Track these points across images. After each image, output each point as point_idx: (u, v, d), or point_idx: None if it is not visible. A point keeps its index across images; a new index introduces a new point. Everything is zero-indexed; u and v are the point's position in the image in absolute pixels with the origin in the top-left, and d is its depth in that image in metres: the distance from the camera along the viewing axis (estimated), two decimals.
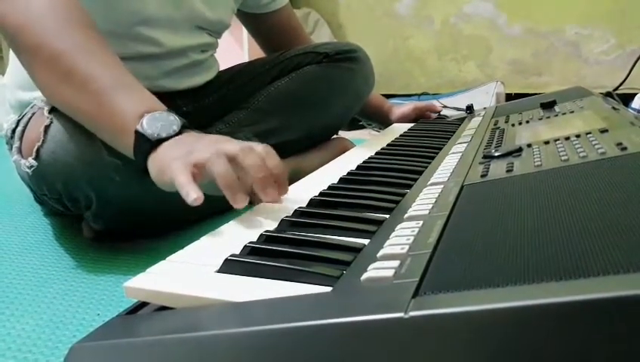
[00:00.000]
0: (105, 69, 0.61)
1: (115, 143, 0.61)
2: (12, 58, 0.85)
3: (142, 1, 0.80)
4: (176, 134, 0.55)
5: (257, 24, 1.10)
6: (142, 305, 0.38)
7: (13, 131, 0.77)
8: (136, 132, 0.55)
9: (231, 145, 0.51)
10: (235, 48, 2.12)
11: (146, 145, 0.55)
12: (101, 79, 0.59)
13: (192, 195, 0.47)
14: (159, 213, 0.72)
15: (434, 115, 1.21)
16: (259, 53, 1.19)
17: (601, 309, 0.23)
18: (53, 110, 0.68)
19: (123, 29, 0.80)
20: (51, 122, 0.66)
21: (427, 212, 0.44)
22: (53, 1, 0.62)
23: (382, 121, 1.25)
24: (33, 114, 0.73)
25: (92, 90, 0.59)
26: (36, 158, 0.66)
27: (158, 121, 0.56)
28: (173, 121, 0.56)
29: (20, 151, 0.72)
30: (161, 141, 0.55)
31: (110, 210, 0.69)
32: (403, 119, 1.20)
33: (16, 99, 0.82)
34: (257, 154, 0.51)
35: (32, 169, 0.66)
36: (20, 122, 0.75)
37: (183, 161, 0.50)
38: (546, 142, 0.60)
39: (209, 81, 1.00)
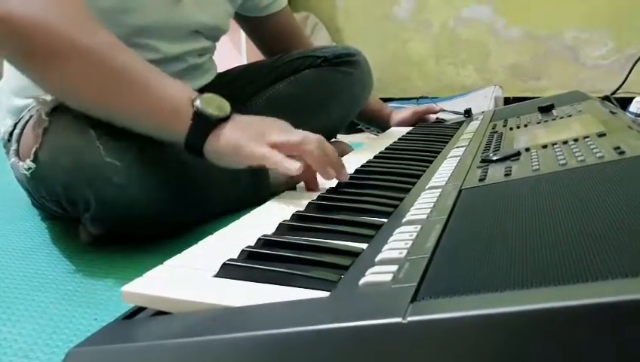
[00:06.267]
0: (138, 61, 0.62)
1: (161, 129, 0.63)
2: (8, 64, 0.85)
3: (139, 13, 0.79)
4: (229, 115, 0.61)
5: (256, 27, 1.10)
6: (139, 309, 0.38)
7: (11, 134, 0.77)
8: (196, 113, 0.59)
9: (298, 132, 0.61)
10: (233, 51, 2.12)
11: (206, 125, 0.59)
12: (139, 70, 0.61)
13: (296, 165, 0.55)
14: (157, 216, 0.72)
15: (433, 118, 1.21)
16: (257, 56, 1.18)
17: (599, 314, 0.23)
18: (51, 112, 0.67)
19: (119, 38, 0.80)
20: (49, 124, 0.66)
21: (425, 216, 0.44)
22: (65, 1, 0.62)
23: (381, 125, 1.25)
24: (31, 116, 0.73)
25: (133, 81, 0.61)
26: (34, 160, 0.66)
27: (212, 102, 0.61)
28: (224, 102, 0.62)
29: (17, 153, 0.72)
30: (220, 121, 0.60)
31: (108, 213, 0.69)
32: (402, 124, 1.20)
33: (12, 105, 0.82)
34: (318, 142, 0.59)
35: (30, 171, 0.66)
36: (18, 125, 0.75)
37: (263, 142, 0.58)
38: (544, 146, 0.60)
39: (208, 84, 1.00)
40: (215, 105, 0.61)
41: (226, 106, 0.62)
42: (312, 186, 0.63)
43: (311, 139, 0.59)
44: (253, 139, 0.59)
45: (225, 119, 0.61)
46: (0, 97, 0.86)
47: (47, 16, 0.60)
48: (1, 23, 0.59)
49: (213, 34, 0.95)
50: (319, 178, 0.63)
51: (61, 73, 0.61)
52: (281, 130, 0.61)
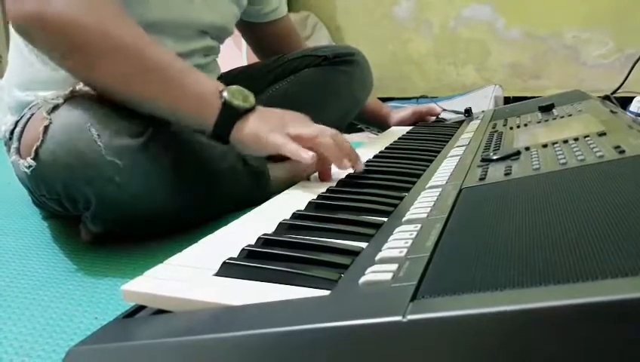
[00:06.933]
0: (168, 54, 0.66)
1: (190, 118, 0.67)
2: (12, 58, 0.85)
3: (149, 8, 0.79)
4: (254, 106, 0.66)
5: (256, 32, 1.11)
6: (140, 308, 0.38)
7: (12, 132, 0.77)
8: (225, 104, 0.64)
9: (315, 126, 0.66)
10: (234, 51, 2.12)
11: (233, 115, 0.64)
12: (172, 64, 0.65)
13: (309, 154, 0.60)
14: (157, 215, 0.72)
15: (433, 118, 1.21)
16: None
17: (599, 312, 0.23)
18: (52, 111, 0.67)
19: None
20: (50, 122, 0.66)
21: (425, 215, 0.44)
22: None
23: (380, 125, 1.25)
24: (32, 115, 0.73)
25: (170, 75, 0.65)
26: (35, 158, 0.66)
27: (238, 93, 0.66)
28: (250, 94, 0.67)
29: (18, 151, 0.72)
30: (246, 111, 0.65)
31: (109, 211, 0.69)
32: (402, 123, 1.20)
33: (15, 100, 0.82)
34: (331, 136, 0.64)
35: (31, 169, 0.66)
36: (19, 123, 0.75)
37: (282, 132, 0.63)
38: (544, 146, 0.60)
39: None
40: (241, 96, 0.66)
41: (251, 98, 0.67)
42: (325, 177, 0.68)
43: (326, 133, 0.64)
44: (272, 130, 0.64)
45: (250, 110, 0.66)
46: (1, 95, 0.86)
47: (81, 13, 0.62)
48: (36, 21, 0.61)
49: (220, 34, 0.95)
50: (333, 169, 0.67)
51: (97, 67, 0.64)
52: (299, 123, 0.66)
